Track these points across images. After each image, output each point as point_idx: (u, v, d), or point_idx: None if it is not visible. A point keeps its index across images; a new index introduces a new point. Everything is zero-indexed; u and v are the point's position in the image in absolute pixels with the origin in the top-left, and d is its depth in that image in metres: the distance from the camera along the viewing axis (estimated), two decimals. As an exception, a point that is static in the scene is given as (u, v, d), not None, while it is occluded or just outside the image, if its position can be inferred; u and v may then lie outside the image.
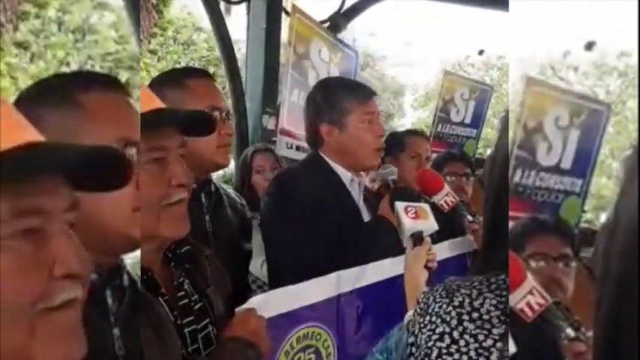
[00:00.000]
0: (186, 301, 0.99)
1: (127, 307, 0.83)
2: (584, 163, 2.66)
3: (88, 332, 0.76)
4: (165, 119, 0.92)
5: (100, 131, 0.78)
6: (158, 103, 0.94)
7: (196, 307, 1.01)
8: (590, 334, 1.01)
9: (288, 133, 2.33)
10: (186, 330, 0.97)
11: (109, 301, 0.81)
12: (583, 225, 3.45)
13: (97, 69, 7.79)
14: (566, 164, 2.57)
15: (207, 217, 1.49)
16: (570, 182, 2.63)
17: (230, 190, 1.75)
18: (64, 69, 7.40)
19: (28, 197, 0.51)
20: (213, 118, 1.07)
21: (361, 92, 1.72)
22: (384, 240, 1.55)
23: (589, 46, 12.54)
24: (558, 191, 2.59)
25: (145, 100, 0.93)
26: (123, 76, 7.92)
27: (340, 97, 1.69)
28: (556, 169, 2.54)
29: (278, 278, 1.63)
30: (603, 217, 11.86)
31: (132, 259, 0.92)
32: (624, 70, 12.62)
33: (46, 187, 0.53)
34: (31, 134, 0.54)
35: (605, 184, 11.64)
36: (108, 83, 0.84)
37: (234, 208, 1.64)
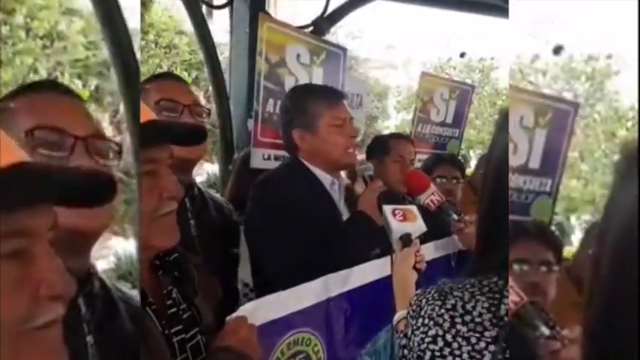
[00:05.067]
0: (175, 310, 0.98)
1: (100, 314, 0.84)
2: (553, 163, 2.67)
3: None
4: (160, 133, 0.94)
5: (15, 126, 0.82)
6: (150, 115, 0.95)
7: (185, 316, 1.00)
8: (565, 332, 1.03)
9: (263, 145, 2.31)
10: (174, 339, 0.95)
11: (82, 308, 0.81)
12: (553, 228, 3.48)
13: (66, 75, 7.73)
14: (535, 164, 2.59)
15: (192, 222, 1.48)
16: (539, 182, 2.65)
17: (216, 195, 1.74)
18: (33, 76, 7.32)
19: (16, 219, 0.51)
20: (204, 128, 1.08)
21: (330, 96, 1.76)
22: (363, 233, 1.57)
23: (557, 50, 12.73)
24: (528, 191, 2.62)
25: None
26: (92, 83, 7.85)
27: (309, 102, 1.73)
28: (524, 170, 2.56)
29: (263, 282, 1.64)
30: (573, 220, 12.07)
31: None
32: (592, 74, 12.85)
33: (33, 208, 0.53)
34: (17, 155, 0.53)
35: (575, 186, 11.81)
36: (35, 87, 0.90)
37: (221, 211, 1.63)
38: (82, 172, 0.60)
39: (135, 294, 0.98)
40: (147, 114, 0.96)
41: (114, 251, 6.36)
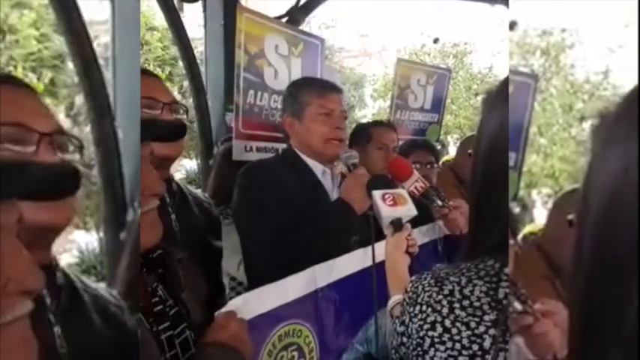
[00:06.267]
0: (161, 307, 0.97)
1: (64, 305, 0.83)
2: (516, 137, 2.68)
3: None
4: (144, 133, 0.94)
5: None
6: None
7: (172, 312, 0.98)
8: (537, 306, 1.04)
9: (245, 136, 2.29)
10: (162, 336, 0.94)
11: (47, 300, 0.81)
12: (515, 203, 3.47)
13: (20, 69, 7.56)
14: None
15: (172, 217, 1.46)
16: None
17: (194, 190, 1.73)
18: None
19: None
20: (183, 124, 1.07)
21: (322, 86, 1.77)
22: (342, 221, 1.55)
23: (511, 25, 12.80)
24: None
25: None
26: (47, 76, 7.67)
27: (302, 90, 1.75)
28: None
29: (253, 271, 1.65)
30: (534, 194, 12.22)
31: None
32: (546, 48, 12.98)
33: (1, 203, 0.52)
34: None
35: (535, 160, 11.96)
36: None
37: (200, 206, 1.61)
38: (47, 166, 0.58)
39: (100, 286, 0.97)
40: None
41: (77, 245, 6.25)
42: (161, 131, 0.96)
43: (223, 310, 1.04)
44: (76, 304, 0.87)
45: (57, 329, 0.80)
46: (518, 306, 1.08)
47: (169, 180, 1.51)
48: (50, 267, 0.84)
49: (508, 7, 3.97)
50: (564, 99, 12.59)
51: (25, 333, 0.54)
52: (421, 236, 1.86)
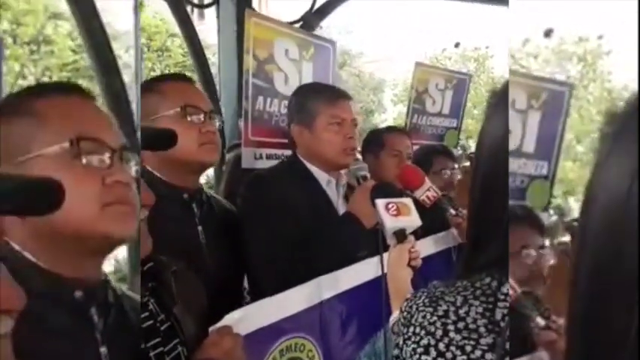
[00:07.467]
0: (152, 322, 0.93)
1: (113, 324, 0.81)
2: (548, 146, 2.62)
3: (75, 351, 0.75)
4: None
5: (49, 132, 0.79)
6: None
7: (163, 327, 0.95)
8: (560, 322, 0.98)
9: (254, 144, 2.25)
10: (152, 353, 0.90)
11: (95, 318, 0.79)
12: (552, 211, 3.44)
13: (55, 80, 7.68)
14: (529, 148, 2.54)
15: (199, 228, 1.43)
16: (535, 165, 2.61)
17: (220, 198, 1.70)
18: (21, 82, 7.29)
19: None
20: (174, 133, 1.06)
21: (330, 94, 1.72)
22: (350, 236, 1.51)
23: (548, 33, 12.64)
24: (523, 175, 2.57)
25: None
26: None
27: (311, 98, 1.71)
28: (518, 153, 2.51)
29: (256, 282, 1.61)
30: (572, 202, 12.02)
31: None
32: (583, 55, 12.78)
33: None
34: None
35: (572, 168, 11.76)
36: (61, 89, 0.85)
37: (226, 215, 1.58)
38: (29, 180, 0.56)
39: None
40: None
41: (114, 254, 6.36)
42: (150, 140, 0.94)
43: (218, 324, 1.00)
44: (124, 323, 0.85)
45: (104, 349, 0.78)
46: (541, 322, 1.02)
47: (199, 189, 1.49)
48: (101, 283, 0.83)
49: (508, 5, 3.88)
50: (601, 106, 12.39)
51: (5, 353, 0.52)
52: (436, 244, 1.81)
